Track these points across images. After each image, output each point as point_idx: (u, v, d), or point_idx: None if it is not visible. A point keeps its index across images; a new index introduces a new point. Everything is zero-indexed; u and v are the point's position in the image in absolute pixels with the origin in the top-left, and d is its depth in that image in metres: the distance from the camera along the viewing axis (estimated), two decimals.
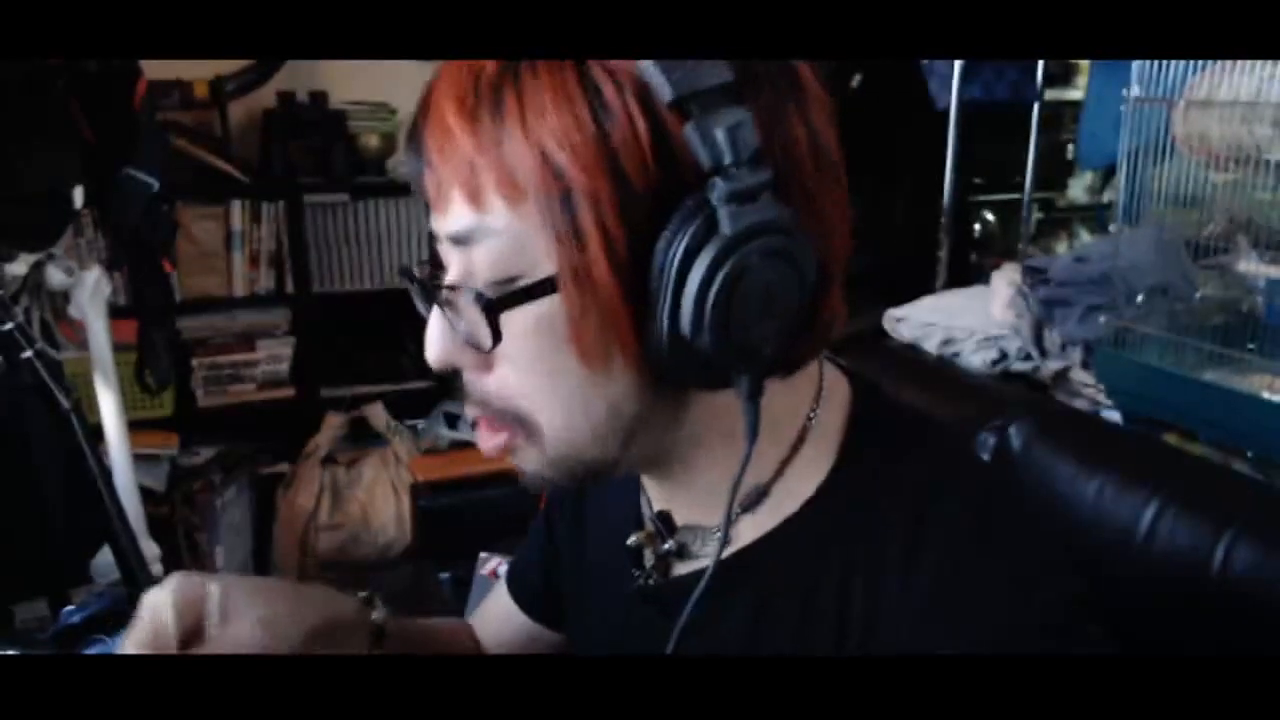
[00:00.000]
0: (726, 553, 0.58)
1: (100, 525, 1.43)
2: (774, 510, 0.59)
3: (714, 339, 0.48)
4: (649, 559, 0.65)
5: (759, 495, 0.59)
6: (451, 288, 0.52)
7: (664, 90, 0.46)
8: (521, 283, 0.50)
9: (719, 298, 0.47)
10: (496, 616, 0.85)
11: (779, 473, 0.59)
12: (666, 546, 0.63)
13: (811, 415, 0.59)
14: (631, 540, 0.65)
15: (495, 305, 0.50)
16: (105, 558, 1.49)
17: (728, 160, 0.46)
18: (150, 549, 1.59)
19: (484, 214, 0.50)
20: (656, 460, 0.59)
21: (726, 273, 0.47)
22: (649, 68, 0.46)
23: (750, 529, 0.59)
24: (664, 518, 0.64)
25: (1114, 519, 1.12)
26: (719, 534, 0.56)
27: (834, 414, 0.60)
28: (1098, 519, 1.14)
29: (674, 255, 0.47)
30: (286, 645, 0.61)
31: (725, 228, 0.46)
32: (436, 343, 0.54)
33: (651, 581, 0.64)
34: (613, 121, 0.47)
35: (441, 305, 0.53)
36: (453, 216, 0.51)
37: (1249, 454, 1.28)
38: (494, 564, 1.51)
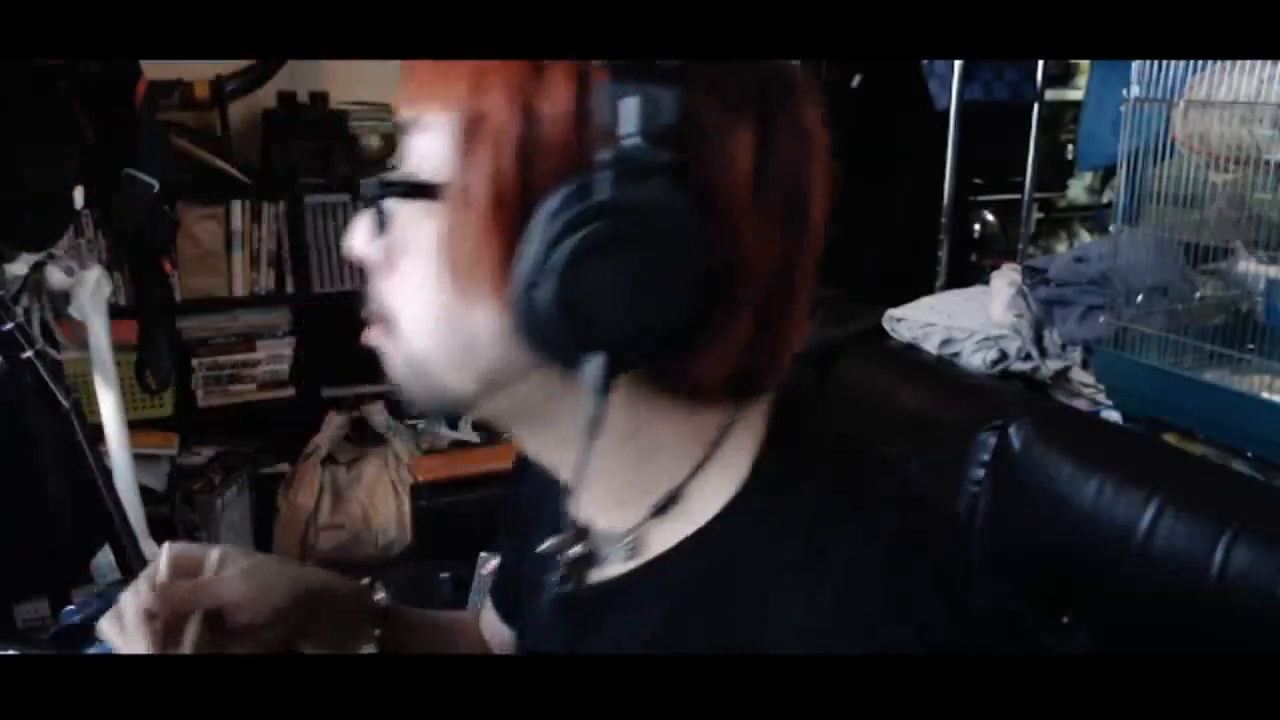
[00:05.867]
0: (637, 562, 0.57)
1: (101, 525, 1.43)
2: (687, 518, 0.56)
3: (553, 304, 0.46)
4: (564, 565, 0.62)
5: (671, 499, 0.56)
6: (380, 182, 0.53)
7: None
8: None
9: (569, 261, 0.45)
10: (490, 621, 0.85)
11: (693, 474, 0.56)
12: (573, 551, 0.61)
13: (731, 418, 0.56)
14: (544, 546, 0.62)
15: (381, 188, 0.51)
16: (105, 558, 1.50)
17: (626, 129, 0.44)
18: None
19: (425, 105, 0.50)
20: (533, 426, 0.57)
21: (580, 238, 0.45)
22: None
23: (663, 537, 0.56)
24: (580, 523, 0.62)
25: (1113, 519, 1.12)
26: (628, 541, 0.56)
27: (754, 421, 0.57)
28: (1097, 519, 1.14)
29: (544, 208, 0.45)
30: (279, 596, 0.66)
31: (598, 194, 0.45)
32: (355, 234, 0.55)
33: (569, 588, 0.61)
34: (549, 66, 0.47)
35: (368, 201, 0.54)
36: (404, 101, 0.52)
37: (1249, 454, 1.28)
38: (494, 564, 1.51)
